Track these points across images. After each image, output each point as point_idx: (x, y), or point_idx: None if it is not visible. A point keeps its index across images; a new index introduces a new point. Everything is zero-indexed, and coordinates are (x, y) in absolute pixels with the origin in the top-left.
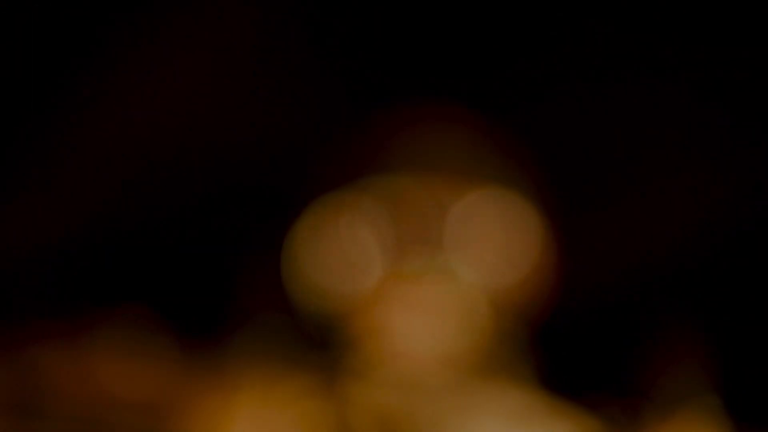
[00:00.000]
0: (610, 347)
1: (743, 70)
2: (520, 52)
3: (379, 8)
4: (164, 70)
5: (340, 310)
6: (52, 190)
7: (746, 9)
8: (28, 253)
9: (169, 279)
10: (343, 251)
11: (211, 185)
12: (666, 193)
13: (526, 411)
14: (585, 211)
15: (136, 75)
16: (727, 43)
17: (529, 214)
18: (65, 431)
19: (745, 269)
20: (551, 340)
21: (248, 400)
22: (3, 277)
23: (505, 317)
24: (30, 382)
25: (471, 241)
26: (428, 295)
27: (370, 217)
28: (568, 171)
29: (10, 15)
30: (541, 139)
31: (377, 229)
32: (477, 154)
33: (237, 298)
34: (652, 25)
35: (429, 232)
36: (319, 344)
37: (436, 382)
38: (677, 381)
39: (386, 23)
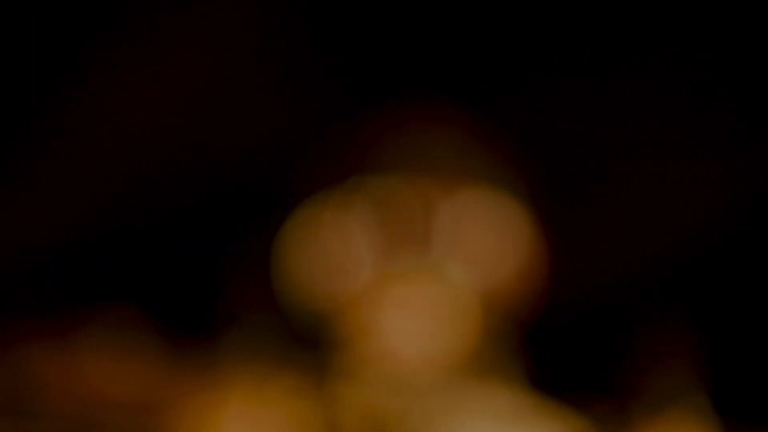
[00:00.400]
0: (599, 347)
1: (738, 70)
2: (511, 52)
3: (369, 10)
4: (155, 70)
5: (330, 309)
6: (41, 191)
7: (745, 9)
8: (18, 253)
9: (158, 278)
10: (333, 251)
11: (200, 185)
12: (655, 194)
13: (515, 410)
14: (574, 211)
15: (129, 75)
16: (723, 42)
17: (519, 213)
18: (55, 430)
19: (733, 269)
20: (540, 340)
21: (237, 399)
22: None
23: (494, 317)
24: (20, 381)
25: (461, 241)
26: (417, 294)
27: (360, 216)
28: (558, 171)
29: (9, 15)
30: (531, 140)
31: (367, 229)
32: (467, 154)
33: (226, 297)
34: (647, 24)
35: (418, 232)
36: (309, 343)
37: (425, 381)
38: (666, 380)
39: (376, 24)
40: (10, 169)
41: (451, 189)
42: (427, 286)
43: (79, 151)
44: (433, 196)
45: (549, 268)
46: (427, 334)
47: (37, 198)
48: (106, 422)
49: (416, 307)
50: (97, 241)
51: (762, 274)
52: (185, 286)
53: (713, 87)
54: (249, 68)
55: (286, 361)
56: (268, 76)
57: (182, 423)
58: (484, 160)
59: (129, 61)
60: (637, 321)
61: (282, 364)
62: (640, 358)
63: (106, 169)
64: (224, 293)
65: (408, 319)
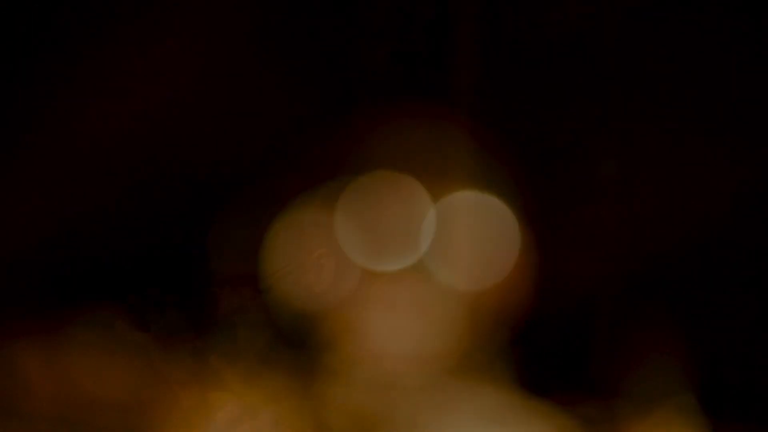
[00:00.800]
0: (585, 347)
1: (726, 72)
2: (501, 53)
3: (357, 10)
4: (142, 69)
5: (318, 309)
6: (27, 192)
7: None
8: (4, 254)
9: (145, 279)
10: (321, 251)
11: (188, 185)
12: (641, 196)
13: (502, 410)
14: (561, 212)
15: (116, 74)
16: (707, 45)
17: (507, 214)
18: (41, 430)
19: (720, 268)
20: (527, 340)
21: (225, 399)
22: None
23: (482, 317)
24: (7, 381)
25: (449, 242)
26: (405, 295)
27: (349, 216)
28: (546, 172)
29: None
30: (519, 140)
31: (355, 229)
32: (456, 155)
33: (214, 297)
34: (635, 24)
35: (406, 232)
36: (296, 344)
37: (413, 381)
38: (653, 380)
39: (365, 24)
40: None
41: (439, 189)
42: (415, 287)
43: (67, 151)
44: (422, 197)
45: (536, 269)
46: (415, 335)
47: (23, 199)
48: (93, 421)
49: (404, 307)
50: (84, 241)
51: (748, 274)
52: (173, 286)
53: (702, 86)
54: (236, 69)
55: (273, 361)
56: (256, 77)
57: (169, 423)
58: (473, 161)
59: (117, 60)
60: (624, 321)
61: (269, 364)
62: (627, 357)
63: (93, 168)
64: (212, 293)
65: (396, 320)
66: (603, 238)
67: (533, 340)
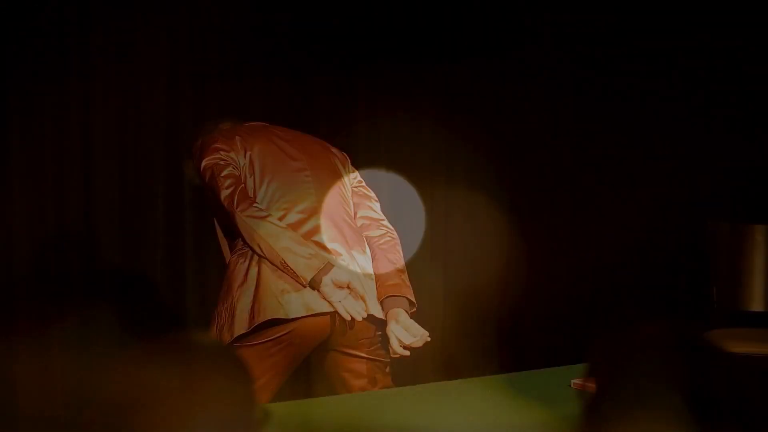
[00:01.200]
0: (574, 346)
1: (693, 85)
2: (493, 52)
3: (353, 4)
4: (128, 69)
5: (307, 309)
6: (18, 191)
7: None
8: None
9: (135, 278)
10: (313, 250)
11: (178, 186)
12: (634, 193)
13: (491, 409)
14: (550, 211)
15: (101, 80)
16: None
17: (498, 214)
18: (31, 430)
19: (710, 269)
20: (517, 340)
21: (213, 399)
22: None
23: (472, 314)
24: (2, 380)
25: (440, 241)
26: (396, 292)
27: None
28: (537, 171)
29: None
30: (512, 141)
31: (346, 229)
32: (447, 154)
33: (205, 297)
34: (625, 30)
35: (398, 231)
36: (285, 344)
37: (402, 381)
38: (641, 380)
39: (360, 20)
40: None
41: (432, 188)
42: (406, 284)
43: (60, 152)
44: (414, 195)
45: (526, 268)
46: (407, 333)
47: (14, 200)
48: (82, 422)
49: (395, 305)
50: (76, 241)
51: (736, 273)
52: (161, 287)
53: (677, 97)
54: (227, 64)
55: (262, 360)
56: (248, 75)
57: (158, 423)
58: (465, 160)
59: (96, 69)
60: (613, 320)
61: (259, 363)
62: (615, 356)
63: (84, 171)
64: (201, 293)
65: (387, 317)
66: (593, 238)
67: (523, 339)
